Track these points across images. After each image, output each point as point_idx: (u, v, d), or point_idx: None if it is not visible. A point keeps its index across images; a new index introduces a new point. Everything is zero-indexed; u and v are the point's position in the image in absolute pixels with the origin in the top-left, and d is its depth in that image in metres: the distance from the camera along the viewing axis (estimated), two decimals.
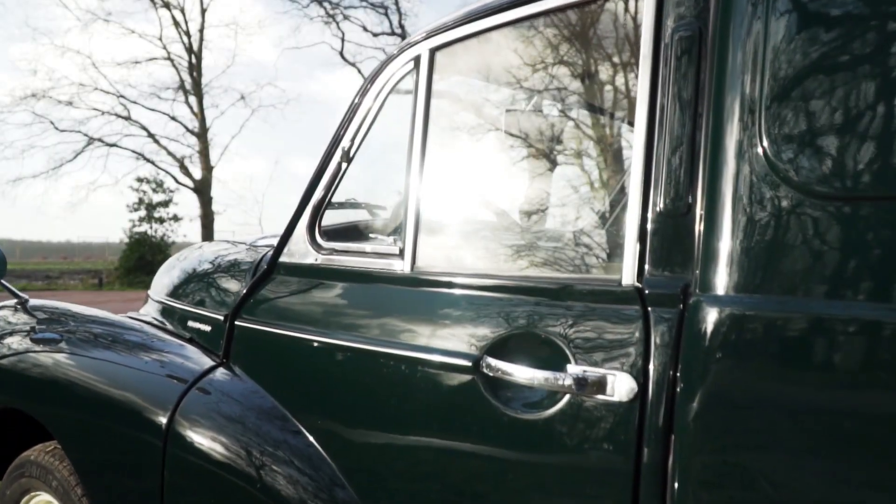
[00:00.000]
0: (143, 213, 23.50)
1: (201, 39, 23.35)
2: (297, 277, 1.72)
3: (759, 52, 1.03)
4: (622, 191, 1.51)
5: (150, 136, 22.97)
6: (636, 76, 1.21)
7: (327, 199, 1.71)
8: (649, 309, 1.12)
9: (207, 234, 23.01)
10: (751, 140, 1.02)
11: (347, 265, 1.63)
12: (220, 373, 1.78)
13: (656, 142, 1.16)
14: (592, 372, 1.14)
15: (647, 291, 1.13)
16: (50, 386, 1.91)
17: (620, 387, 1.11)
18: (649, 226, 1.16)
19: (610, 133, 1.79)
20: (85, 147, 22.80)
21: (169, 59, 23.21)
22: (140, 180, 23.50)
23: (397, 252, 1.53)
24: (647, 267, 1.15)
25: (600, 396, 1.13)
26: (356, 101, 1.65)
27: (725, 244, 1.03)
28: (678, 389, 1.04)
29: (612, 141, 1.75)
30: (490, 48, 1.50)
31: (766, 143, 1.01)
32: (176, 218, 23.93)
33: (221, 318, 1.85)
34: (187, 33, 23.20)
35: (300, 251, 1.73)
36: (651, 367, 1.09)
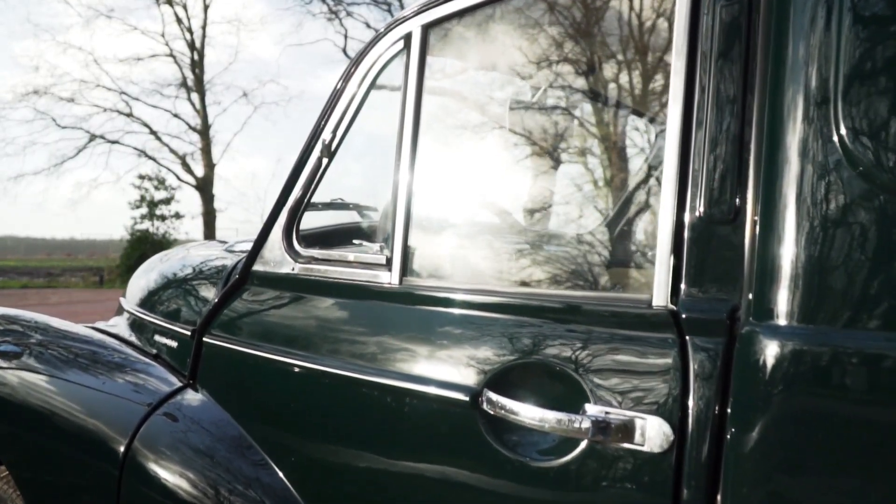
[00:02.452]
0: (144, 210, 23.31)
1: (203, 36, 23.14)
2: (272, 289, 1.51)
3: (834, 18, 0.81)
4: (651, 192, 1.29)
5: (153, 133, 22.78)
6: (668, 56, 1.00)
7: (306, 200, 1.50)
8: (687, 338, 0.91)
9: (209, 231, 22.83)
10: (823, 128, 0.81)
11: (328, 276, 1.41)
12: (185, 396, 1.58)
13: (693, 133, 0.95)
14: (617, 414, 0.93)
15: (683, 316, 0.92)
16: None
17: (652, 433, 0.90)
18: (685, 234, 0.94)
19: (634, 126, 1.55)
20: (87, 144, 22.63)
21: (171, 55, 23.01)
22: (142, 177, 23.31)
23: (384, 262, 1.32)
24: (682, 285, 0.94)
25: (627, 444, 0.92)
26: (339, 87, 1.44)
27: (788, 258, 0.82)
28: (728, 438, 0.83)
29: (636, 135, 1.53)
30: (492, 24, 1.29)
31: (843, 132, 0.79)
32: (178, 215, 23.73)
33: (188, 333, 1.64)
34: (189, 30, 22.99)
35: (275, 259, 1.52)
36: (690, 409, 0.89)
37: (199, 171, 23.27)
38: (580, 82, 1.49)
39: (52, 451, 1.63)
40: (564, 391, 1.00)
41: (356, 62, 1.42)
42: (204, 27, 23.19)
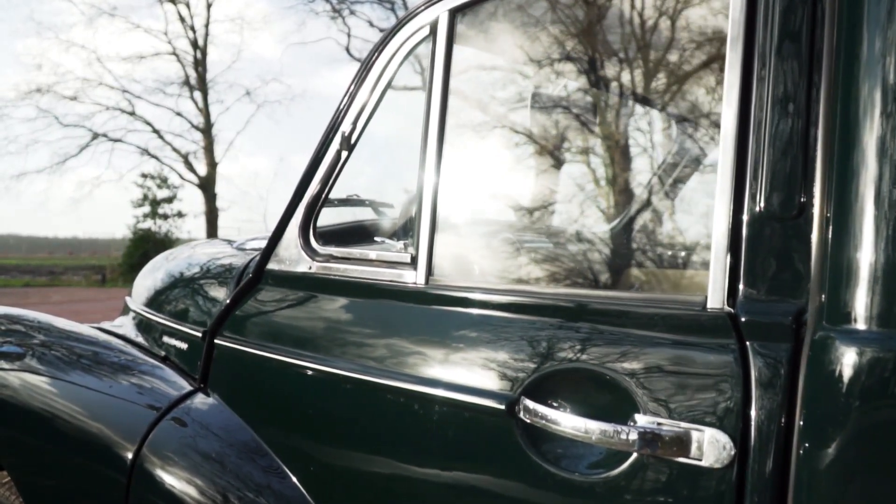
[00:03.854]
0: (147, 209, 23.29)
1: (206, 35, 23.06)
2: (288, 289, 1.44)
3: None
4: (704, 185, 1.22)
5: (155, 131, 22.73)
6: (721, 38, 0.92)
7: (324, 196, 1.42)
8: (747, 343, 0.85)
9: (212, 230, 22.77)
10: None
11: (348, 275, 1.34)
12: (196, 400, 1.51)
13: (751, 124, 0.88)
14: (670, 426, 0.86)
15: (742, 319, 0.85)
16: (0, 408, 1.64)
17: (710, 447, 0.83)
18: (743, 232, 0.88)
19: (682, 117, 1.46)
20: (89, 142, 22.57)
21: (174, 54, 22.95)
22: (144, 176, 23.29)
23: (408, 260, 1.25)
24: (740, 286, 0.87)
25: (682, 459, 0.85)
26: (360, 76, 1.37)
27: (867, 257, 0.74)
28: (800, 454, 0.76)
29: (685, 127, 1.44)
30: (525, 9, 1.21)
31: None
32: (180, 214, 23.70)
33: (199, 334, 1.57)
34: (192, 28, 22.92)
35: (291, 257, 1.44)
36: (753, 421, 0.82)
37: (202, 169, 23.24)
38: (622, 72, 1.41)
39: (56, 456, 1.57)
40: (610, 399, 0.93)
41: (378, 51, 1.35)
42: (207, 25, 23.13)
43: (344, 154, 1.39)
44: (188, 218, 24.12)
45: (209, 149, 23.32)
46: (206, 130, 23.29)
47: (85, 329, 1.88)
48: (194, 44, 23.08)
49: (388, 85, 1.36)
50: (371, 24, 21.04)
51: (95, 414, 1.54)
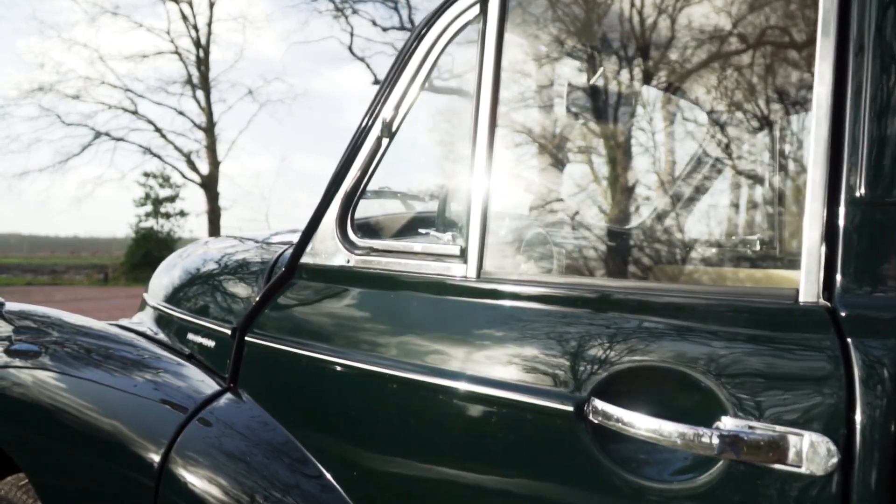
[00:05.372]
0: (149, 208, 23.30)
1: (209, 33, 22.99)
2: (324, 283, 1.38)
3: None
4: (793, 170, 1.15)
5: (157, 130, 22.65)
6: (814, 13, 0.86)
7: (363, 186, 1.36)
8: (849, 340, 0.78)
9: (214, 229, 22.69)
10: None
11: (390, 269, 1.28)
12: (227, 400, 1.44)
13: (848, 103, 0.82)
14: (763, 429, 0.79)
15: (843, 314, 0.79)
16: (18, 408, 1.58)
17: (811, 452, 0.77)
18: (840, 220, 0.81)
19: (769, 94, 1.37)
20: (92, 141, 22.49)
21: (176, 53, 22.89)
22: (147, 175, 23.30)
23: (457, 252, 1.18)
24: (838, 277, 0.81)
25: (778, 465, 0.78)
26: (403, 59, 1.30)
27: None
28: None
29: (772, 103, 1.36)
30: None
31: None
32: (182, 213, 23.72)
33: (228, 331, 1.50)
34: (195, 27, 22.85)
35: (328, 250, 1.38)
36: (858, 425, 0.75)
37: (204, 168, 23.16)
38: (698, 55, 1.33)
39: (77, 458, 1.50)
40: (691, 400, 0.86)
41: (422, 32, 1.28)
42: (209, 24, 23.08)
43: (384, 142, 1.32)
44: (190, 217, 24.15)
45: (211, 148, 23.25)
46: (209, 129, 23.22)
47: (105, 326, 1.82)
48: (197, 43, 23.03)
49: (432, 70, 1.29)
50: (374, 24, 20.99)
51: (119, 414, 1.47)
